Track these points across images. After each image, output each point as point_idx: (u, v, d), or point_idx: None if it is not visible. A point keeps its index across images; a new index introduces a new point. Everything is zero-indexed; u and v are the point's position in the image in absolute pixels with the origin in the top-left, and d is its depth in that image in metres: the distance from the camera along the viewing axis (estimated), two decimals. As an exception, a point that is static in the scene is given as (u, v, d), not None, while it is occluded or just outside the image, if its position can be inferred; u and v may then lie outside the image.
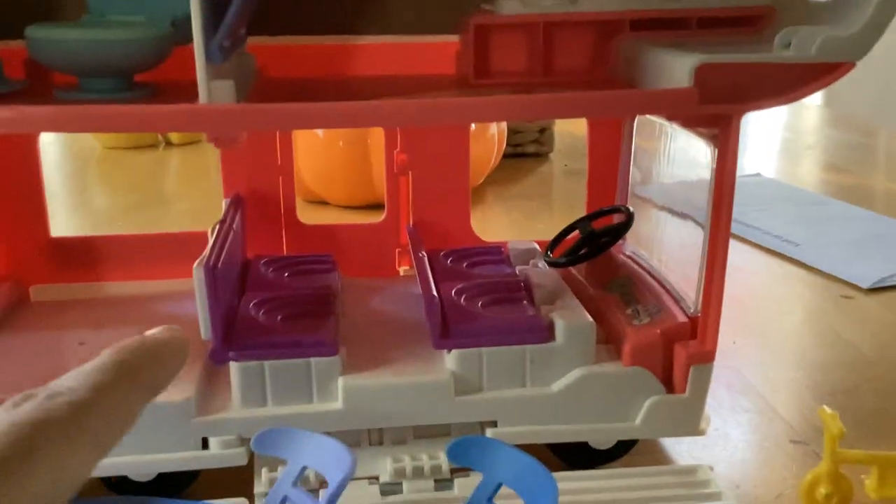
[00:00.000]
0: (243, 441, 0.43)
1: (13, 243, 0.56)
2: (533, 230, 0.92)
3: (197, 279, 0.41)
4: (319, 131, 0.95)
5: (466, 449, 0.39)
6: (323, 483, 0.43)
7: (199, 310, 0.42)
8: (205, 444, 0.43)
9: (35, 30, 0.40)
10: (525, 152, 1.26)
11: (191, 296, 0.52)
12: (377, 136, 0.93)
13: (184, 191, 1.16)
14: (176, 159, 1.34)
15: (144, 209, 1.04)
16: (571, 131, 1.46)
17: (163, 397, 0.41)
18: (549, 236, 0.56)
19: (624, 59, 0.45)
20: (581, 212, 0.55)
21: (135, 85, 0.42)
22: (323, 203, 1.02)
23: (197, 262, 0.41)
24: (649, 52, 0.42)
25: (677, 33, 0.45)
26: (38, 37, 0.40)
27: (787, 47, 0.39)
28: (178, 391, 0.42)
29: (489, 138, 1.02)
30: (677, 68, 0.39)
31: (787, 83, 0.39)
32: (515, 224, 0.96)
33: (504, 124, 1.08)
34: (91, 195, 1.17)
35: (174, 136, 1.39)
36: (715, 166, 0.42)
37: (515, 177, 1.17)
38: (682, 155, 0.49)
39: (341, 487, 0.36)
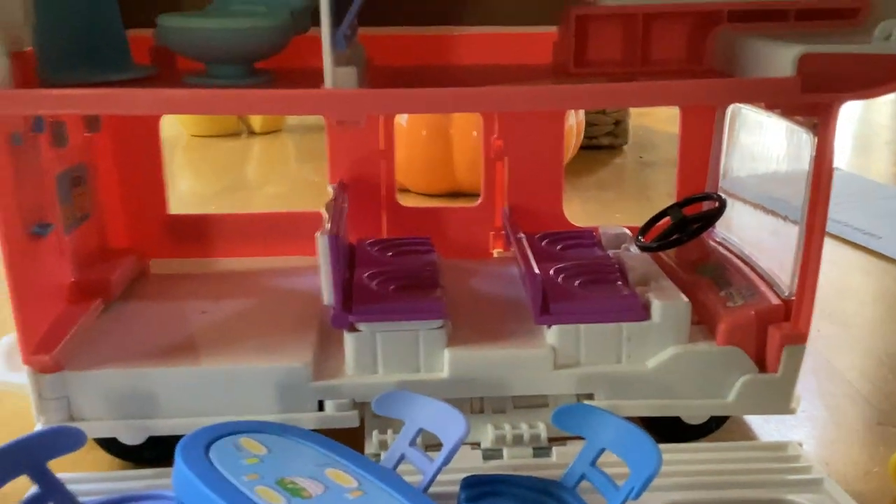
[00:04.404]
0: (355, 404, 0.46)
1: (136, 219, 0.59)
2: (610, 219, 0.94)
3: (321, 247, 0.44)
4: (403, 121, 0.98)
5: (571, 415, 0.41)
6: (430, 447, 0.45)
7: (323, 277, 0.44)
8: (320, 406, 0.46)
9: (167, 18, 0.43)
10: (600, 144, 1.28)
11: (300, 271, 0.55)
12: (460, 125, 0.96)
13: (266, 177, 1.20)
14: (257, 147, 1.39)
15: (233, 192, 1.09)
16: (645, 124, 1.47)
17: (283, 362, 0.44)
18: (627, 225, 0.58)
19: (720, 49, 0.47)
20: (656, 202, 0.57)
21: (256, 71, 0.45)
22: (404, 190, 1.05)
23: (319, 231, 0.44)
24: (749, 43, 0.44)
25: (775, 25, 0.47)
26: (170, 25, 0.43)
27: (888, 39, 0.41)
28: (297, 357, 0.45)
29: (568, 130, 1.04)
30: (780, 57, 0.41)
31: (886, 73, 0.41)
32: (592, 214, 0.97)
33: (582, 116, 1.10)
34: (177, 180, 1.22)
35: (256, 125, 1.44)
36: (815, 154, 0.43)
37: (591, 168, 1.18)
38: (775, 146, 0.51)
39: (457, 447, 0.38)
